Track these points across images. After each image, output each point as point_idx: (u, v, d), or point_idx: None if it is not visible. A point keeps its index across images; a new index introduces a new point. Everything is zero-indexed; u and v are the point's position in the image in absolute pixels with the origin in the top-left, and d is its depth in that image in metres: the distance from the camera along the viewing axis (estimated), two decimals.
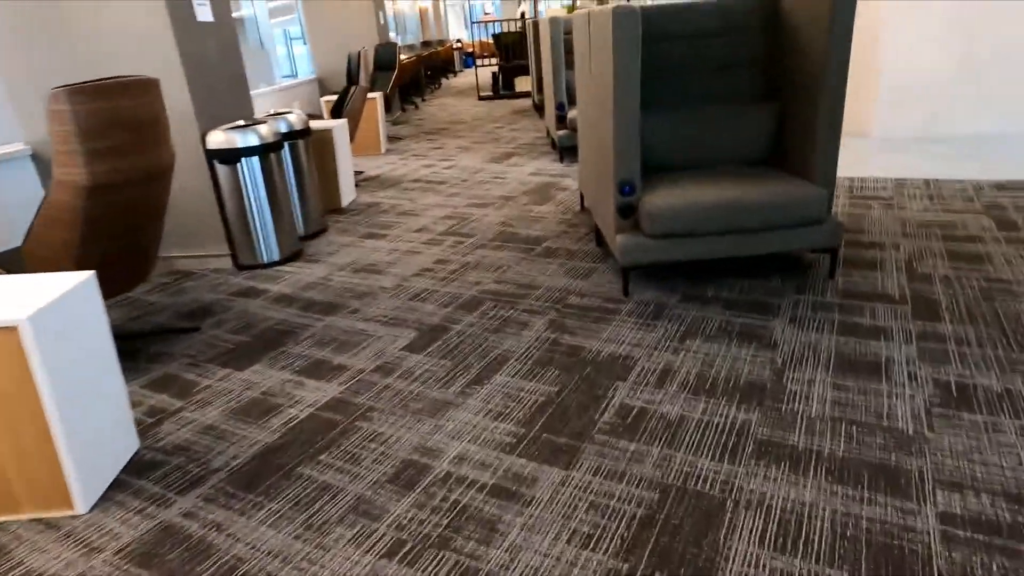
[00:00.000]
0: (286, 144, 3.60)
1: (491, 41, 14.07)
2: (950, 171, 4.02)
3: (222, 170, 3.19)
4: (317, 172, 4.19)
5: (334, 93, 6.91)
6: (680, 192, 2.55)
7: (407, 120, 8.57)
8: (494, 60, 12.30)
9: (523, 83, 10.36)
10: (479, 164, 5.50)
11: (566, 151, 5.56)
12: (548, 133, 6.09)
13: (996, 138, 4.69)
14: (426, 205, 4.32)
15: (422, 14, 15.96)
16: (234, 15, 7.73)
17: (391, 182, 5.09)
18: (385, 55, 7.26)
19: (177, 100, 3.13)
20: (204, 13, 3.21)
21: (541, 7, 10.04)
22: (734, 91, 2.93)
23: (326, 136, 4.19)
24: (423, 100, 10.93)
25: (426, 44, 16.19)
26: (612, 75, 2.41)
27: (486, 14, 19.04)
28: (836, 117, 2.47)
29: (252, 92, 5.95)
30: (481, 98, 10.41)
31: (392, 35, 9.99)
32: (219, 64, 3.35)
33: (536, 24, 7.43)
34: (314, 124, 4.29)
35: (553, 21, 4.88)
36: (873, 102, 5.06)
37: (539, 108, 8.01)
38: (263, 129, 3.22)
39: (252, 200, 3.26)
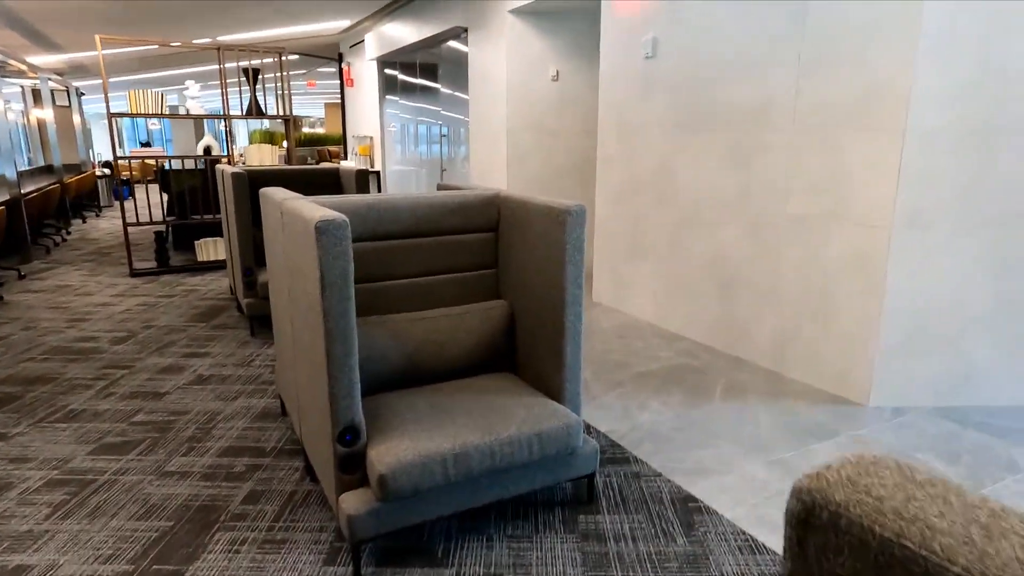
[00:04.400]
0: None
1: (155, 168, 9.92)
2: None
3: None
4: None
5: None
6: (416, 437, 1.84)
7: None
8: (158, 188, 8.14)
9: (209, 249, 6.73)
10: None
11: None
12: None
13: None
14: None
15: (40, 127, 10.97)
16: None
17: None
18: None
19: None
20: None
21: (239, 141, 6.66)
22: (462, 291, 2.45)
23: None
24: (21, 276, 6.41)
25: (47, 170, 11.19)
26: (320, 312, 1.71)
27: (143, 144, 14.59)
28: (578, 335, 2.10)
29: None
30: (136, 273, 6.41)
31: None
32: None
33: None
34: None
35: None
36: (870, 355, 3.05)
37: (246, 315, 4.58)
38: None
39: None
